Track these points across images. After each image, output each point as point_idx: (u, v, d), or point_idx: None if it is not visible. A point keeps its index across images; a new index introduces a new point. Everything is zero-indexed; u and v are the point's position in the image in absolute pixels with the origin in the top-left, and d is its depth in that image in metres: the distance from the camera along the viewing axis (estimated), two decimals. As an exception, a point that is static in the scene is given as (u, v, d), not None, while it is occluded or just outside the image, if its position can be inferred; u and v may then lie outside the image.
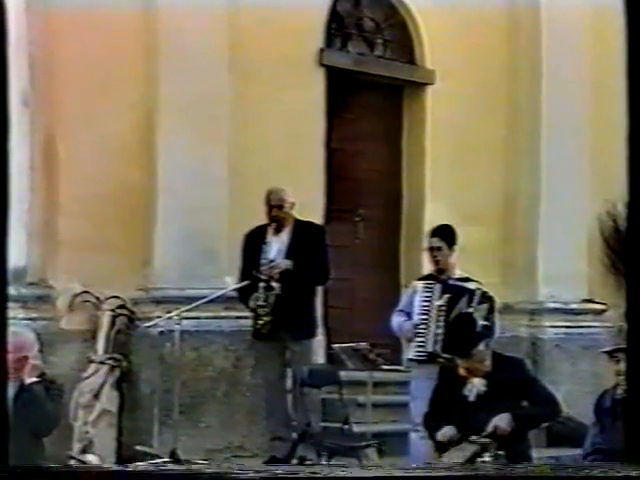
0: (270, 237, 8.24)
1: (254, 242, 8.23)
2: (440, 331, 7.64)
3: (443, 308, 7.69)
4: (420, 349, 7.74)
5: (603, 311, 10.52)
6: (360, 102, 10.13)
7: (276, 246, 8.25)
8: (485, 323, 7.46)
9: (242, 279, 8.14)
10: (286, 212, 8.23)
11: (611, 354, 6.38)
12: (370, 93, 10.20)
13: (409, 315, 7.82)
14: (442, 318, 7.66)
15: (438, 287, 7.76)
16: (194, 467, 2.70)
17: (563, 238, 10.30)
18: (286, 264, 8.14)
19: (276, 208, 8.20)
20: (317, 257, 8.18)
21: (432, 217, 9.60)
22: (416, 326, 7.73)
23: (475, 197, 10.18)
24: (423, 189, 10.22)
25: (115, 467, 4.50)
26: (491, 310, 7.67)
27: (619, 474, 2.60)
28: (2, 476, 2.66)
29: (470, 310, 7.52)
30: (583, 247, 10.49)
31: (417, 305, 7.80)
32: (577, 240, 10.43)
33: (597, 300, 10.55)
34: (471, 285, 7.74)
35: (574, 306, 10.42)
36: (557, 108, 10.33)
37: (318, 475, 2.65)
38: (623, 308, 10.48)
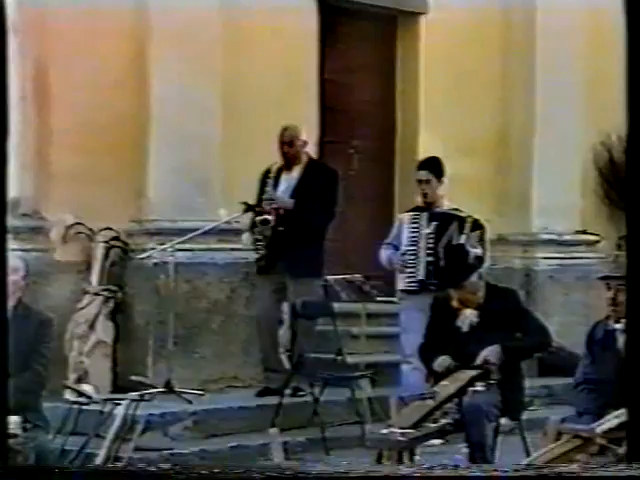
0: (281, 173, 8.30)
1: (266, 177, 8.30)
2: (430, 259, 7.67)
3: (431, 236, 7.71)
4: (411, 279, 7.76)
5: (596, 242, 10.55)
6: (353, 32, 10.03)
7: (285, 183, 8.29)
8: (477, 252, 7.47)
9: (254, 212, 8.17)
10: (297, 150, 8.28)
11: (606, 280, 6.39)
12: (363, 23, 10.10)
13: (397, 248, 7.84)
14: (431, 246, 7.69)
15: (425, 216, 7.78)
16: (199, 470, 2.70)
17: (557, 169, 10.29)
18: (285, 202, 8.15)
19: (287, 145, 8.26)
20: (324, 199, 8.21)
21: (426, 148, 9.56)
22: (406, 256, 7.75)
23: (469, 128, 10.13)
24: (417, 120, 10.17)
25: (115, 467, 4.52)
26: (482, 237, 7.69)
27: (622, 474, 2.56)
28: (2, 475, 2.66)
29: (462, 238, 7.53)
30: (577, 178, 10.48)
31: (405, 236, 7.81)
32: (571, 171, 10.41)
33: (590, 231, 10.57)
34: (461, 212, 7.76)
35: (567, 237, 10.45)
36: (552, 38, 10.25)
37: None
38: (616, 239, 10.54)
